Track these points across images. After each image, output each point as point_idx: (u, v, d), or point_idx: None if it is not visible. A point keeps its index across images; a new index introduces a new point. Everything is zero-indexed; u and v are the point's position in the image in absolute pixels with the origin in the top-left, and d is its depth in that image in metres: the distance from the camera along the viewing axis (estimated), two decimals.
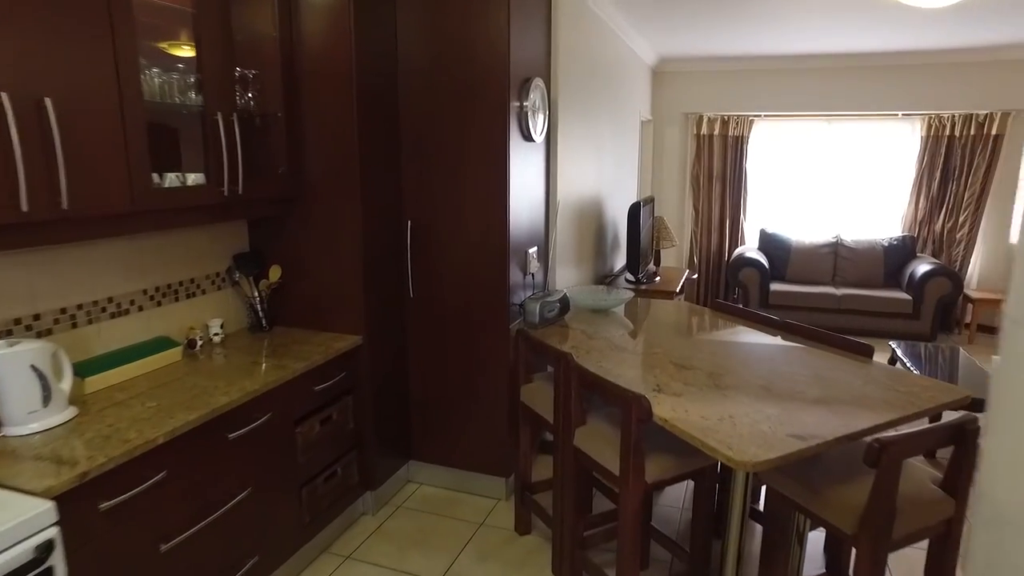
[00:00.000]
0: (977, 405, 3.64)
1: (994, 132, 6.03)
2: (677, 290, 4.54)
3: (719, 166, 6.93)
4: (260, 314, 2.86)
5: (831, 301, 6.20)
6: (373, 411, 2.95)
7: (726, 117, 6.77)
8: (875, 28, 5.04)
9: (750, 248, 6.78)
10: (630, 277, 4.53)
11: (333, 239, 2.80)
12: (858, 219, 6.84)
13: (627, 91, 5.42)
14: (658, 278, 4.80)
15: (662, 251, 5.49)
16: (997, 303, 5.98)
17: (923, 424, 2.15)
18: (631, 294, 3.30)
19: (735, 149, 6.87)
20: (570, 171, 3.67)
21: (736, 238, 7.13)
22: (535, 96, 3.03)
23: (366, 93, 2.71)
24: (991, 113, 6.03)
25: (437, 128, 2.92)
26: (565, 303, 3.06)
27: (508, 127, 2.81)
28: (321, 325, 2.91)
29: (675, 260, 7.13)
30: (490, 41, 2.76)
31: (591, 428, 2.35)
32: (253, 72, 2.61)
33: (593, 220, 4.37)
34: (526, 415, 2.80)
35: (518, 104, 2.90)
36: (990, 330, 6.36)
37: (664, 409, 2.01)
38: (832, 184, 6.82)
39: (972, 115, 6.10)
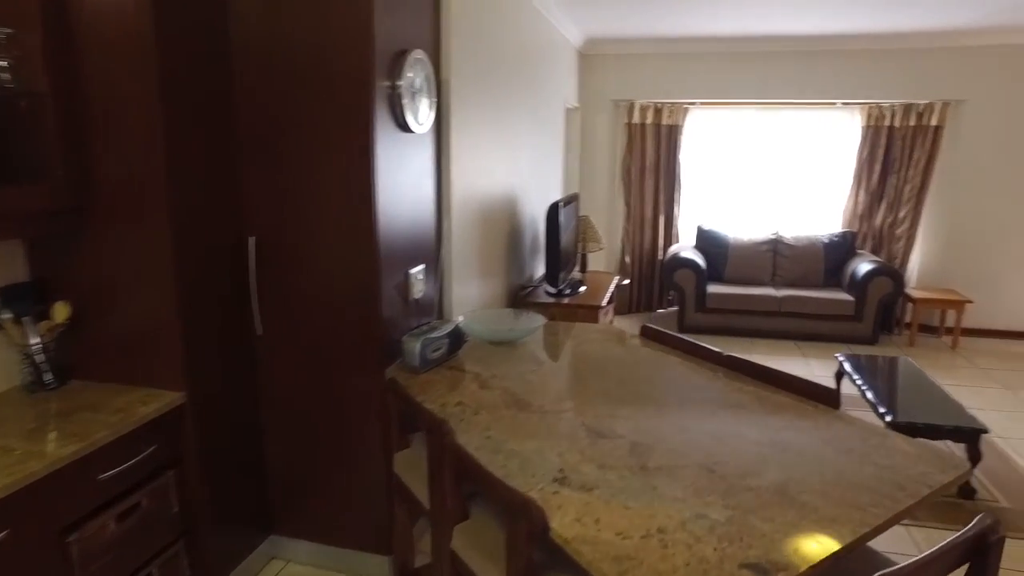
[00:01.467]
0: (963, 434, 3.22)
1: (933, 123, 5.71)
2: (604, 302, 3.98)
3: (652, 158, 6.42)
4: (41, 367, 2.11)
5: (771, 303, 5.78)
6: (208, 486, 2.26)
7: (659, 104, 6.26)
8: (811, 9, 4.58)
9: (686, 247, 6.31)
10: (550, 289, 3.94)
11: (138, 263, 2.08)
12: (798, 214, 6.46)
13: (549, 75, 4.81)
14: (583, 287, 4.23)
15: (589, 255, 4.93)
16: (938, 303, 5.68)
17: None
18: (542, 320, 2.69)
19: (669, 139, 6.38)
20: (470, 167, 3.04)
21: (671, 236, 6.65)
22: (415, 75, 2.37)
23: (176, 73, 2.00)
24: (931, 103, 5.70)
25: (285, 121, 2.23)
26: (457, 337, 2.44)
27: (374, 114, 2.14)
28: (132, 377, 2.18)
29: (605, 263, 6.59)
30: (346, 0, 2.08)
31: (475, 525, 1.74)
32: (6, 31, 1.86)
33: (505, 223, 3.75)
34: (400, 491, 2.17)
35: (388, 84, 2.23)
36: (931, 330, 6.08)
37: (567, 518, 1.40)
38: (771, 177, 6.41)
39: (911, 105, 5.76)
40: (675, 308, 6.06)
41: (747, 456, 1.69)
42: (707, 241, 6.32)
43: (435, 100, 2.58)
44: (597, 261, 6.51)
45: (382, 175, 2.23)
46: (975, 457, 3.21)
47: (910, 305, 5.82)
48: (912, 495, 1.52)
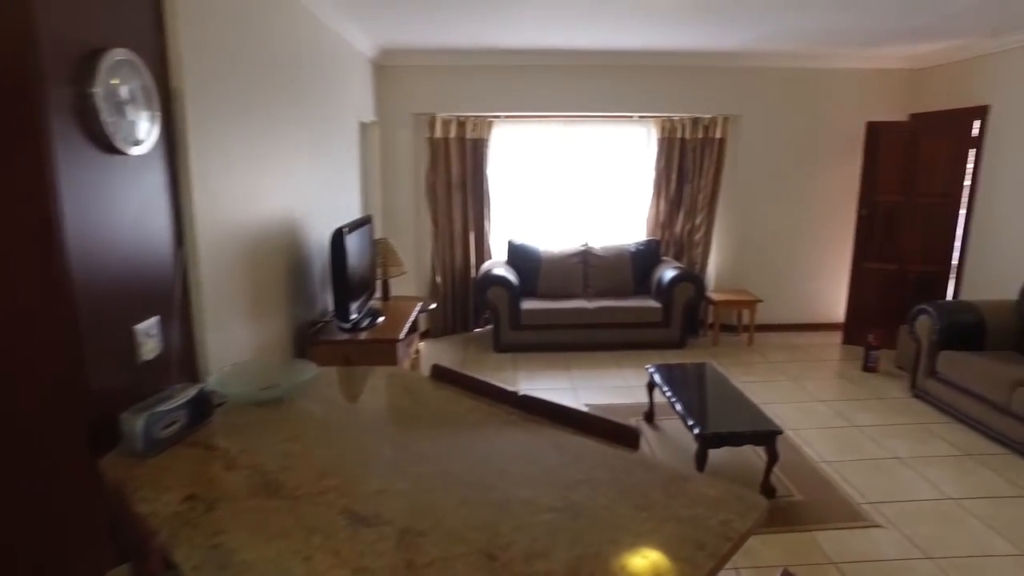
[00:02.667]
0: (761, 438, 3.27)
1: (718, 135, 6.07)
2: (402, 333, 3.64)
3: (458, 173, 6.22)
4: None
5: (584, 316, 5.80)
6: None
7: (462, 118, 6.07)
8: (604, 26, 4.63)
9: (498, 263, 6.18)
10: (344, 324, 3.52)
11: None
12: (606, 225, 6.59)
13: (336, 87, 4.40)
14: (381, 318, 3.86)
15: (391, 280, 4.57)
16: (734, 304, 6.03)
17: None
18: (312, 370, 2.29)
19: (475, 154, 6.21)
20: (224, 193, 2.56)
21: (484, 253, 6.49)
22: (121, 81, 1.87)
23: None
24: (714, 117, 6.06)
25: None
26: (201, 403, 1.97)
27: (49, 130, 1.63)
28: None
29: (416, 286, 6.26)
30: None
31: None
32: None
33: (284, 254, 3.29)
34: None
35: (74, 91, 1.73)
36: (731, 329, 6.46)
37: None
38: (578, 190, 6.48)
39: (698, 119, 6.09)
40: (491, 327, 5.89)
41: (536, 530, 1.43)
42: (519, 256, 6.23)
43: (160, 114, 2.09)
44: (404, 285, 6.16)
45: (75, 210, 1.71)
46: (773, 457, 3.29)
47: (712, 307, 6.13)
48: (713, 554, 1.34)
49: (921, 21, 4.44)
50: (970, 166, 5.33)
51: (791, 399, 4.71)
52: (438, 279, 6.28)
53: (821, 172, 6.19)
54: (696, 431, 3.23)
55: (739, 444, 3.25)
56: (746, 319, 6.17)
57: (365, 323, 3.67)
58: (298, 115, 3.50)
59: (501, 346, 5.87)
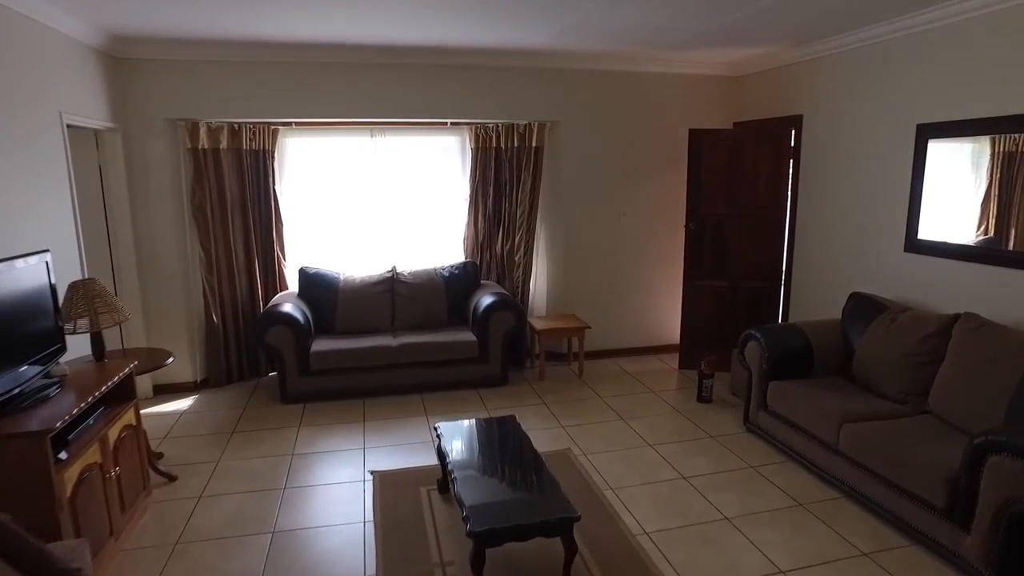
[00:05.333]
0: (553, 528, 2.50)
1: (535, 144, 5.43)
2: (59, 424, 2.56)
3: (236, 190, 5.14)
4: None
5: (388, 355, 4.91)
6: None
7: (236, 125, 5.01)
8: (396, 15, 3.83)
9: (289, 296, 5.15)
10: None
11: None
12: (419, 247, 5.75)
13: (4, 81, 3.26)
14: (55, 390, 2.75)
15: (104, 331, 3.45)
16: (560, 331, 5.38)
17: None
18: None
19: (257, 168, 5.17)
20: None
21: (276, 284, 5.44)
22: None
23: None
24: (530, 123, 5.42)
25: None
26: None
27: None
28: None
29: (188, 328, 5.08)
30: None
31: None
32: None
33: None
34: None
35: None
36: (560, 357, 5.83)
37: None
38: (386, 208, 5.60)
39: (513, 125, 5.42)
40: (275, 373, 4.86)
41: None
42: (313, 286, 5.24)
43: None
44: (170, 330, 5.00)
45: None
46: (571, 550, 2.56)
47: (536, 336, 5.45)
48: None
49: (722, 21, 4.01)
50: (791, 177, 5.04)
51: (618, 444, 4.07)
52: (214, 317, 5.14)
53: (647, 183, 5.73)
54: (468, 527, 2.42)
55: (526, 538, 2.48)
56: (576, 347, 5.55)
57: (27, 402, 2.58)
58: None
59: (289, 396, 4.85)
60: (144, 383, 4.99)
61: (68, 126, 4.03)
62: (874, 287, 4.22)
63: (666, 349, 5.98)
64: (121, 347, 4.85)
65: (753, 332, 4.06)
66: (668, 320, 5.98)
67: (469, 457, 3.00)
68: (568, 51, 5.06)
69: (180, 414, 4.69)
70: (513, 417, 3.48)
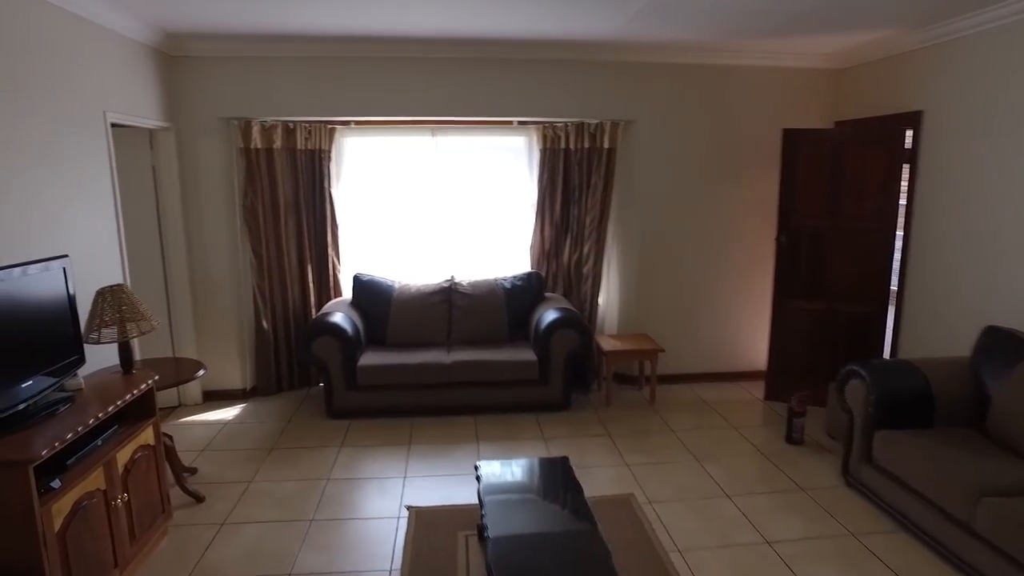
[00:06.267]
0: None
1: (606, 145, 4.93)
2: (47, 452, 2.29)
3: (290, 192, 4.91)
4: None
5: (440, 373, 4.53)
6: None
7: (291, 124, 4.79)
8: (437, 5, 3.47)
9: (340, 304, 4.88)
10: None
11: None
12: (479, 255, 5.36)
13: (44, 78, 3.10)
14: (64, 406, 2.51)
15: (134, 342, 3.23)
16: (631, 354, 4.85)
17: None
18: None
19: (312, 169, 4.93)
20: None
21: (330, 290, 5.18)
22: None
23: None
24: (601, 123, 4.92)
25: None
26: None
27: None
28: None
29: (239, 334, 4.88)
30: None
31: None
32: None
33: None
34: None
35: None
36: (630, 380, 5.30)
37: None
38: (445, 213, 5.25)
39: (583, 125, 4.95)
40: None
41: None
42: (366, 294, 4.95)
43: None
44: (222, 336, 4.83)
45: None
46: None
47: (604, 357, 4.94)
48: None
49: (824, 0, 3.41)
50: (905, 184, 4.32)
51: (690, 491, 3.52)
52: (265, 324, 4.93)
53: (732, 191, 5.12)
54: None
55: None
56: (647, 370, 5.00)
57: (29, 420, 2.36)
58: None
59: (334, 411, 4.56)
60: (194, 389, 4.84)
61: (119, 125, 3.89)
62: (1016, 321, 3.48)
63: (750, 376, 5.34)
64: (172, 354, 4.71)
65: (856, 368, 3.41)
66: (753, 344, 5.33)
67: (508, 512, 2.56)
68: (643, 42, 4.54)
69: (224, 424, 4.48)
70: (566, 460, 3.01)
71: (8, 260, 2.76)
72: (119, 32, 3.82)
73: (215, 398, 4.93)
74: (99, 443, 2.68)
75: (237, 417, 4.63)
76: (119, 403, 2.70)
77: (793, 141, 4.55)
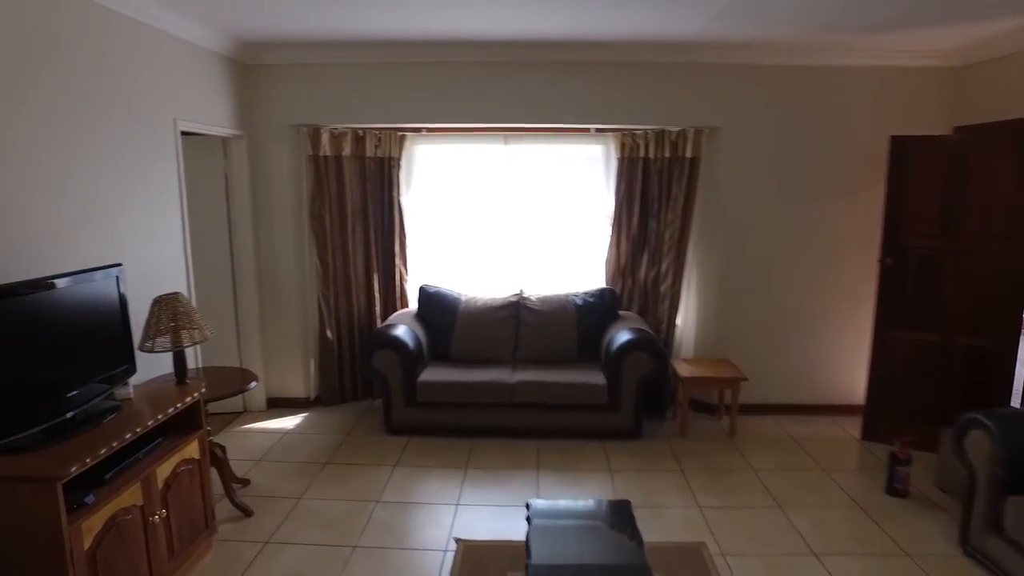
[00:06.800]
0: None
1: (688, 154, 4.57)
2: (75, 468, 2.20)
3: (358, 200, 4.84)
4: None
5: (503, 393, 4.30)
6: None
7: (360, 132, 4.71)
8: (520, 6, 3.26)
9: (404, 316, 4.75)
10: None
11: None
12: (550, 269, 5.11)
13: (118, 87, 3.12)
14: (111, 416, 2.44)
15: (197, 348, 3.18)
16: (710, 382, 4.46)
17: None
18: None
19: (381, 176, 4.84)
20: None
21: (396, 301, 5.07)
22: None
23: None
24: (684, 130, 4.57)
25: None
26: None
27: None
28: None
29: (304, 342, 4.84)
30: None
31: None
32: None
33: None
34: None
35: None
36: (709, 408, 4.88)
37: None
38: (516, 224, 5.03)
39: (664, 132, 4.61)
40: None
41: None
42: (432, 306, 4.79)
43: None
44: (280, 343, 4.80)
45: None
46: None
47: (680, 383, 4.56)
48: None
49: None
50: None
51: (771, 546, 3.12)
52: (329, 334, 4.86)
53: (831, 204, 4.63)
54: None
55: None
56: (728, 398, 4.58)
57: (75, 429, 2.32)
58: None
59: (393, 427, 4.41)
60: (258, 396, 4.83)
61: (191, 134, 3.92)
62: None
63: (844, 411, 4.80)
64: (239, 360, 4.71)
65: (979, 417, 2.91)
66: (849, 375, 4.80)
67: (555, 563, 2.28)
68: (729, 41, 4.17)
69: (283, 434, 4.43)
70: (627, 504, 2.70)
71: (75, 267, 2.74)
72: (193, 42, 3.83)
73: (279, 405, 4.90)
74: (140, 456, 2.60)
75: (297, 427, 4.56)
76: (160, 417, 2.62)
77: (903, 149, 4.05)
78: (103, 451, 2.27)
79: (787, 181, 4.60)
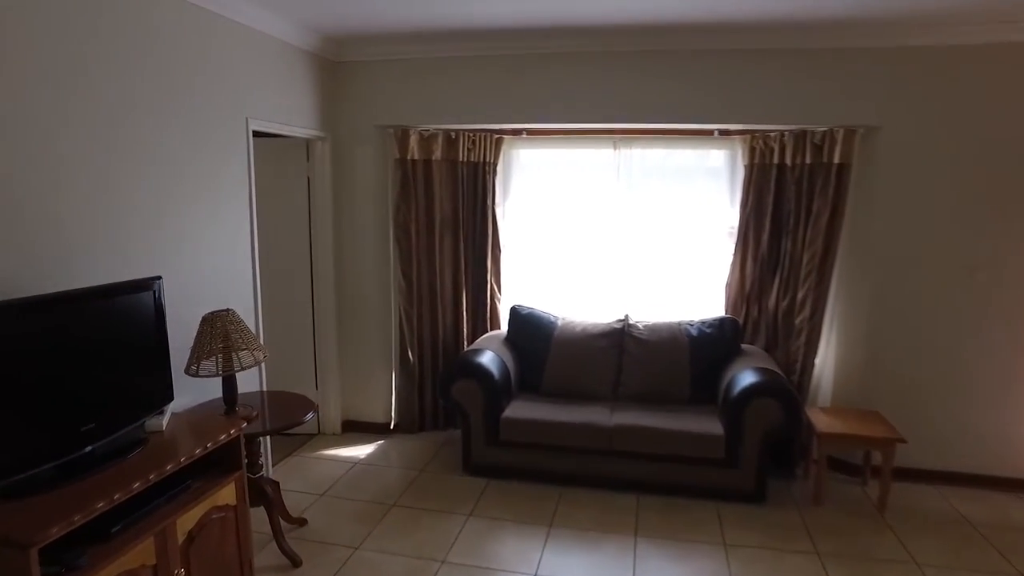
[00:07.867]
0: None
1: (836, 160, 3.75)
2: (56, 529, 1.83)
3: (448, 208, 4.41)
4: None
5: (599, 437, 3.68)
6: None
7: (453, 134, 4.28)
8: None
9: (492, 340, 4.25)
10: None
11: None
12: (662, 292, 4.45)
13: (186, 84, 2.85)
14: (136, 451, 2.09)
15: (239, 374, 2.82)
16: (855, 440, 3.61)
17: None
18: None
19: (474, 183, 4.38)
20: None
21: (487, 321, 4.59)
22: None
23: None
24: (831, 130, 3.76)
25: None
26: None
27: None
28: None
29: (361, 369, 4.45)
30: None
31: None
32: None
33: None
34: None
35: None
36: (851, 469, 4.01)
37: None
38: (625, 239, 4.42)
39: (805, 132, 3.83)
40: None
41: None
42: (524, 329, 4.26)
43: None
44: (359, 363, 4.43)
45: None
46: None
47: (816, 438, 3.74)
48: None
49: None
50: None
51: None
52: (410, 355, 4.45)
53: (1019, 224, 3.64)
54: None
55: None
56: (876, 459, 3.71)
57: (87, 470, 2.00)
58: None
59: (472, 466, 3.91)
60: (333, 419, 4.50)
61: (268, 135, 3.64)
62: None
63: None
64: (314, 382, 4.40)
65: None
66: None
67: None
68: (891, 15, 3.33)
69: (353, 464, 4.05)
70: None
71: (130, 276, 2.46)
72: (274, 35, 3.54)
73: (355, 429, 4.55)
74: (160, 503, 2.23)
75: (370, 456, 4.17)
76: (183, 460, 2.23)
77: None
78: (101, 504, 1.90)
79: (967, 195, 3.66)
